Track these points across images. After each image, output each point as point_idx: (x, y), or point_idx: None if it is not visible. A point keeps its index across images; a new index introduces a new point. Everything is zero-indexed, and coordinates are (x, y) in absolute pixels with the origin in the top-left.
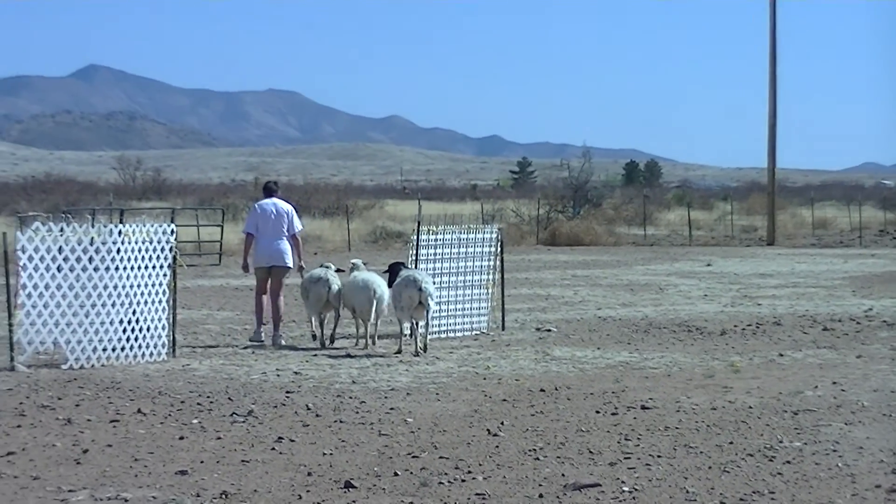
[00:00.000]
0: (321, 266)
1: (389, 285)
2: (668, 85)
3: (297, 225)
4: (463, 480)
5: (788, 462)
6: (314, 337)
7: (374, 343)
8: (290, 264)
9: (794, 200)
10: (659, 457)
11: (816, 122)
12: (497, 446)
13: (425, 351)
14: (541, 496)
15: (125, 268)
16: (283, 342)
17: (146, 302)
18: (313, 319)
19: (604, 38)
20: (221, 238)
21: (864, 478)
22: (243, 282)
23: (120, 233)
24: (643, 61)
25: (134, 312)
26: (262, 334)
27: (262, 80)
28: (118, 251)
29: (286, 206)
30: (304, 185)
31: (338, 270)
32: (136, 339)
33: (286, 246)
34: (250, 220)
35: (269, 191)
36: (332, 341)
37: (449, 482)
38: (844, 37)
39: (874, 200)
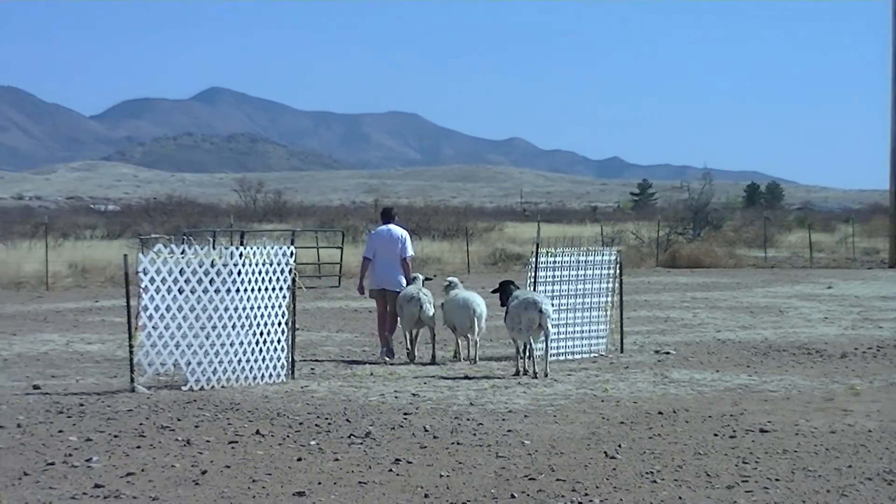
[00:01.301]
0: (413, 280)
1: (501, 304)
2: (790, 107)
3: (409, 250)
4: (580, 503)
5: None
6: (408, 353)
7: (475, 362)
8: (402, 288)
9: None
10: (777, 480)
11: None
12: (614, 469)
13: (546, 376)
14: None
15: (245, 290)
16: (388, 360)
17: (266, 324)
18: (406, 336)
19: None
20: (341, 260)
21: None
22: (362, 304)
23: (240, 255)
24: (765, 83)
25: (259, 335)
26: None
27: (382, 102)
28: (238, 273)
29: (400, 232)
30: (423, 207)
31: (426, 280)
32: (255, 360)
33: (399, 270)
34: (369, 245)
35: (385, 216)
36: (433, 361)
37: None
38: None
39: None
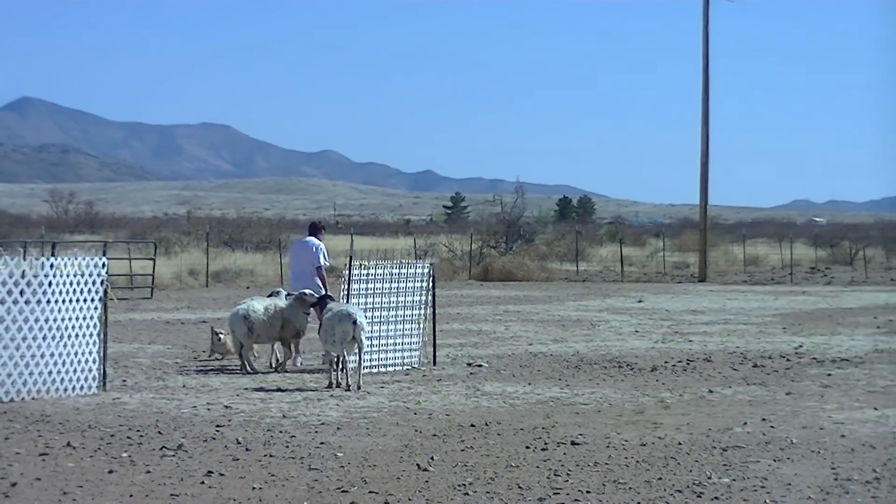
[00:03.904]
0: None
1: (318, 317)
2: (602, 121)
3: (320, 260)
4: None
5: (717, 498)
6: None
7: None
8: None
9: (726, 237)
10: (588, 492)
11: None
12: (427, 481)
13: (359, 388)
14: None
15: (56, 301)
16: (300, 364)
17: (77, 335)
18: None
19: (536, 74)
20: (153, 272)
21: None
22: (174, 315)
23: (51, 266)
24: (576, 97)
25: (70, 346)
26: (300, 361)
27: (195, 113)
28: (49, 284)
29: (316, 243)
30: (236, 219)
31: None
32: (66, 372)
33: (311, 278)
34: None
35: (310, 229)
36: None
37: None
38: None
39: (805, 237)
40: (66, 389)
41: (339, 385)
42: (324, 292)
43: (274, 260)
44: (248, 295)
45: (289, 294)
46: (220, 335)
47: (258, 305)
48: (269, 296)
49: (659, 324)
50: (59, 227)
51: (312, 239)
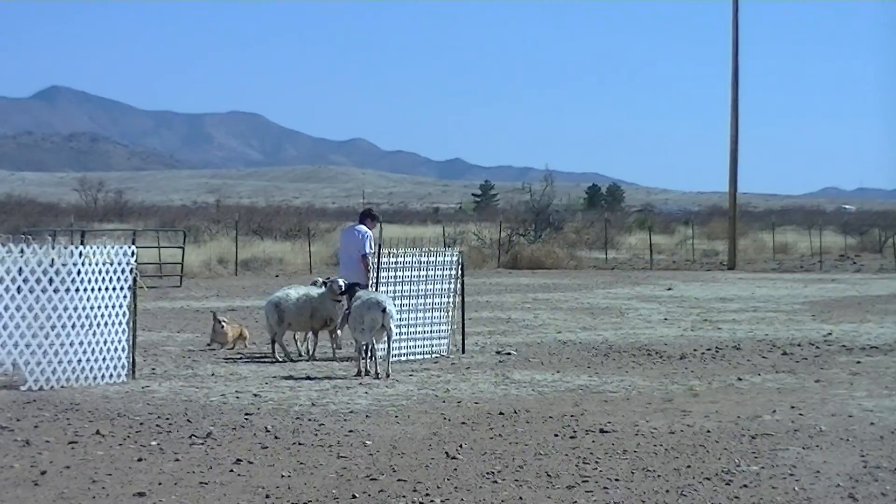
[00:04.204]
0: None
1: (347, 307)
2: (631, 109)
3: (365, 248)
4: (421, 503)
5: (745, 486)
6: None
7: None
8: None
9: (756, 225)
10: (617, 480)
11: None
12: (455, 469)
13: (388, 376)
14: None
15: (86, 289)
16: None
17: (107, 323)
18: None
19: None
20: (182, 260)
21: (821, 502)
22: (204, 304)
23: (80, 254)
24: (606, 85)
25: (100, 334)
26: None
27: (224, 102)
28: (78, 273)
29: (363, 230)
30: (265, 207)
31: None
32: (96, 360)
33: (358, 267)
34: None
35: (361, 217)
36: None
37: None
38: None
39: (835, 225)
40: (95, 378)
41: (367, 373)
42: (367, 281)
43: (303, 248)
44: (278, 284)
45: (323, 282)
46: (223, 323)
47: (293, 294)
48: (312, 284)
49: (688, 312)
50: (88, 216)
51: (361, 226)
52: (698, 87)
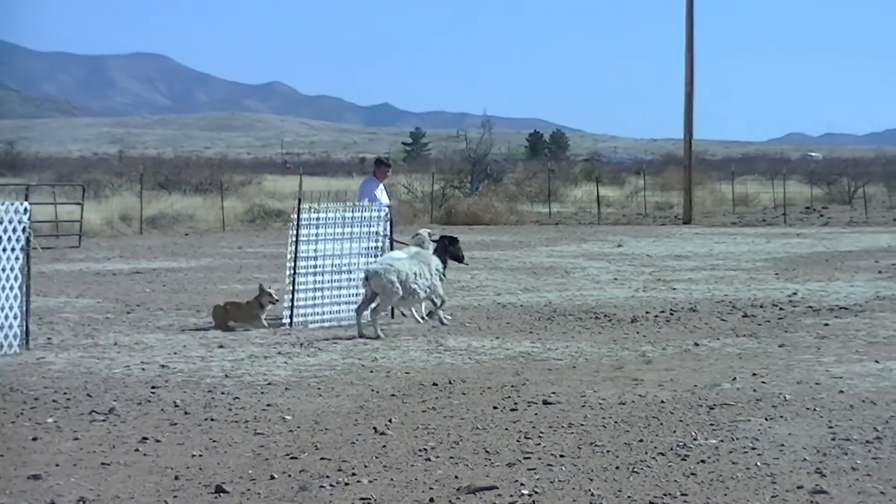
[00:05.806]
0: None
1: (444, 261)
2: (577, 50)
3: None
4: (346, 483)
5: (703, 461)
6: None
7: None
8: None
9: (714, 175)
10: (562, 456)
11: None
12: (384, 446)
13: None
14: (431, 500)
15: None
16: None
17: None
18: None
19: None
20: (81, 217)
21: (786, 478)
22: (105, 266)
23: None
24: (548, 22)
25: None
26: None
27: (127, 42)
28: None
29: (364, 182)
30: (174, 158)
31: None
32: None
33: None
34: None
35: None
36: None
37: (331, 486)
38: None
39: (800, 175)
40: None
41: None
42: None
43: (215, 204)
44: (188, 243)
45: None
46: (273, 298)
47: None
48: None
49: (639, 270)
50: None
51: (367, 178)
52: (650, 22)
